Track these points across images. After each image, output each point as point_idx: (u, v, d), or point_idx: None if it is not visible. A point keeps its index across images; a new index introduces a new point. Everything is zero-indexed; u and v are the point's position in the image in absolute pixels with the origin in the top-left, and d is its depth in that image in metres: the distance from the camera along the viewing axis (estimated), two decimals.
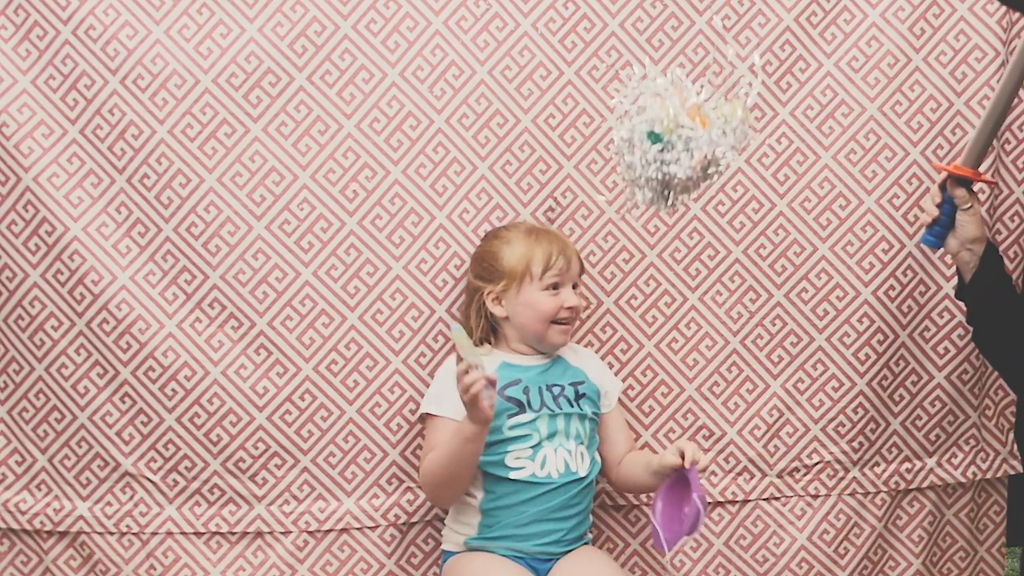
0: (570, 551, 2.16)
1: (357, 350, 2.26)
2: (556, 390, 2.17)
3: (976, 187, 2.10)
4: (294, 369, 2.24)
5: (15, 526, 2.26)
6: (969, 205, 2.05)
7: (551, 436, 2.14)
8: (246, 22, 2.21)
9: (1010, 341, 2.03)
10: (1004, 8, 2.33)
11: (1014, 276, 2.42)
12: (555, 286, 2.16)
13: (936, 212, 2.09)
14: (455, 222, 2.28)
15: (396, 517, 2.28)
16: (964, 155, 2.08)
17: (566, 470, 2.15)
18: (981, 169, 2.10)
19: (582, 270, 2.25)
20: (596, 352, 2.33)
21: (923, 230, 2.12)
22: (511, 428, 2.13)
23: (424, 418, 2.21)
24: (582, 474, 2.17)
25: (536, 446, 2.14)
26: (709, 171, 1.80)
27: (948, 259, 2.39)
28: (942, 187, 2.09)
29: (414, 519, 2.29)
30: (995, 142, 2.36)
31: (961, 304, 2.33)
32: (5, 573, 2.29)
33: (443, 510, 2.28)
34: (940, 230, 2.10)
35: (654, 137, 1.77)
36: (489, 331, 2.21)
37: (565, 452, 2.15)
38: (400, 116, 2.25)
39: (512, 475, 2.13)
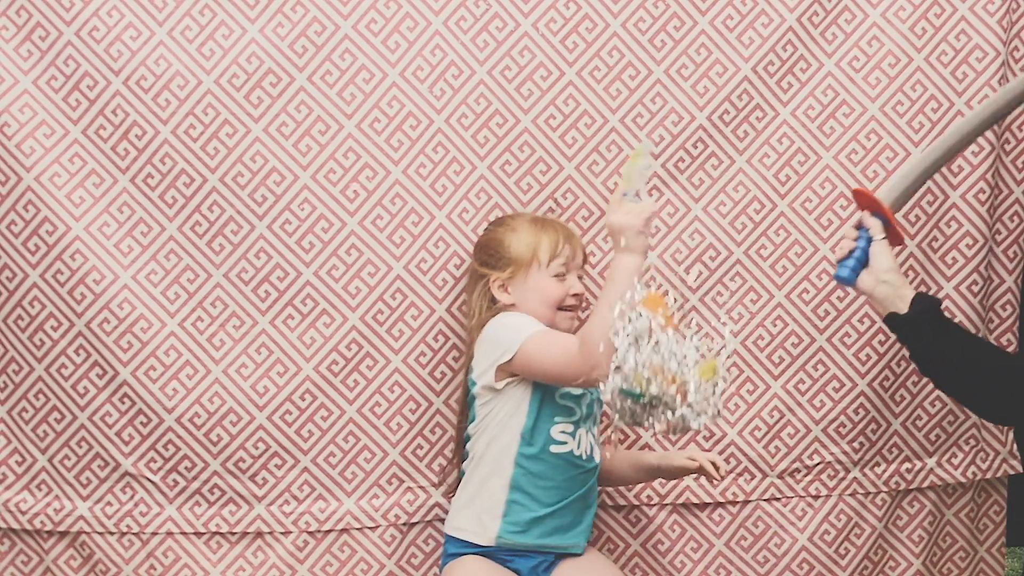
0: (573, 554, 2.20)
1: (358, 350, 2.29)
2: None
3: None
4: (295, 368, 2.28)
5: (15, 526, 2.29)
6: (883, 236, 1.97)
7: (586, 417, 2.18)
8: (247, 23, 2.24)
9: (963, 378, 1.93)
10: (1004, 8, 2.36)
11: (1013, 276, 2.46)
12: (561, 274, 2.20)
13: (852, 244, 1.98)
14: (455, 222, 2.32)
15: (396, 517, 2.32)
16: (889, 190, 2.03)
17: (591, 454, 2.19)
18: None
19: (585, 260, 2.29)
20: None
21: (837, 265, 2.01)
22: (561, 396, 2.15)
23: (521, 350, 2.09)
24: (597, 461, 2.21)
25: (576, 423, 2.17)
26: (680, 431, 1.85)
27: (948, 259, 2.42)
28: (860, 227, 2.00)
29: (414, 519, 2.32)
30: (995, 142, 2.40)
31: (966, 309, 2.37)
32: (6, 573, 2.31)
33: (444, 509, 2.32)
34: (855, 264, 1.98)
35: (630, 393, 1.81)
36: (492, 315, 2.22)
37: (591, 437, 2.19)
38: (400, 116, 2.29)
39: (554, 448, 2.14)
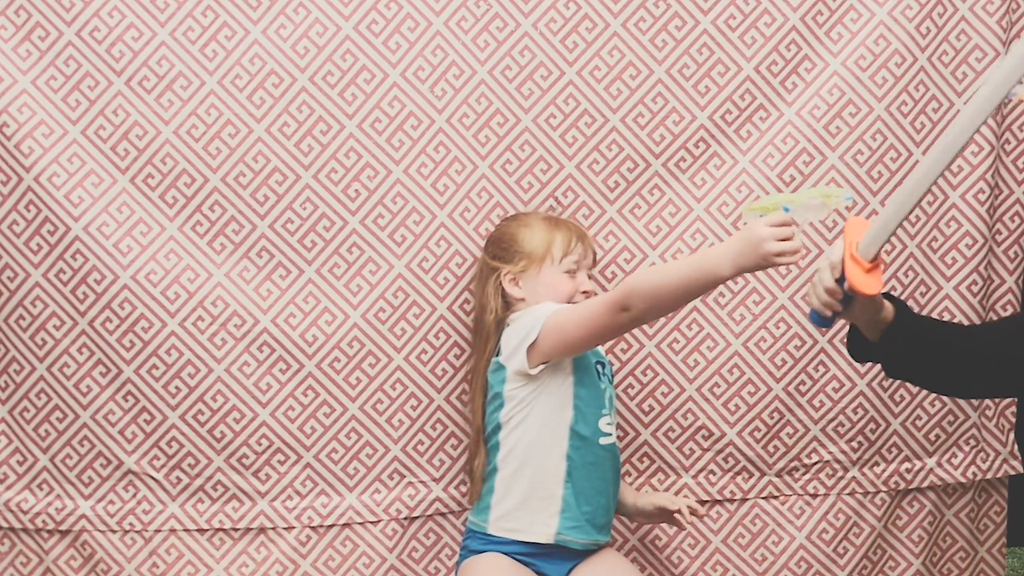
0: (592, 552, 2.26)
1: (359, 348, 2.37)
2: (599, 367, 2.29)
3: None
4: (297, 366, 2.35)
5: (16, 525, 2.36)
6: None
7: (610, 411, 2.27)
8: (249, 24, 2.31)
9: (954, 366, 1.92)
10: (1004, 8, 2.40)
11: (1014, 276, 2.51)
12: (572, 270, 2.28)
13: (837, 306, 1.86)
14: (456, 221, 2.39)
15: (398, 512, 2.39)
16: (865, 245, 1.82)
17: (617, 444, 2.28)
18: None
19: (595, 261, 2.36)
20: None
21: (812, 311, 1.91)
22: (597, 388, 2.25)
23: (546, 325, 2.14)
24: (618, 453, 2.30)
25: (609, 415, 2.26)
26: None
27: (948, 259, 2.48)
28: (840, 280, 1.85)
29: (415, 513, 2.40)
30: (995, 142, 2.45)
31: (965, 309, 2.40)
32: (6, 574, 2.37)
33: (449, 508, 2.39)
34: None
35: None
36: (505, 309, 2.30)
37: (614, 430, 2.28)
38: (401, 116, 2.35)
39: (603, 441, 2.23)
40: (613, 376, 2.37)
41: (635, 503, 2.34)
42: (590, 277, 2.33)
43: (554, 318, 2.16)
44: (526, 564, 2.21)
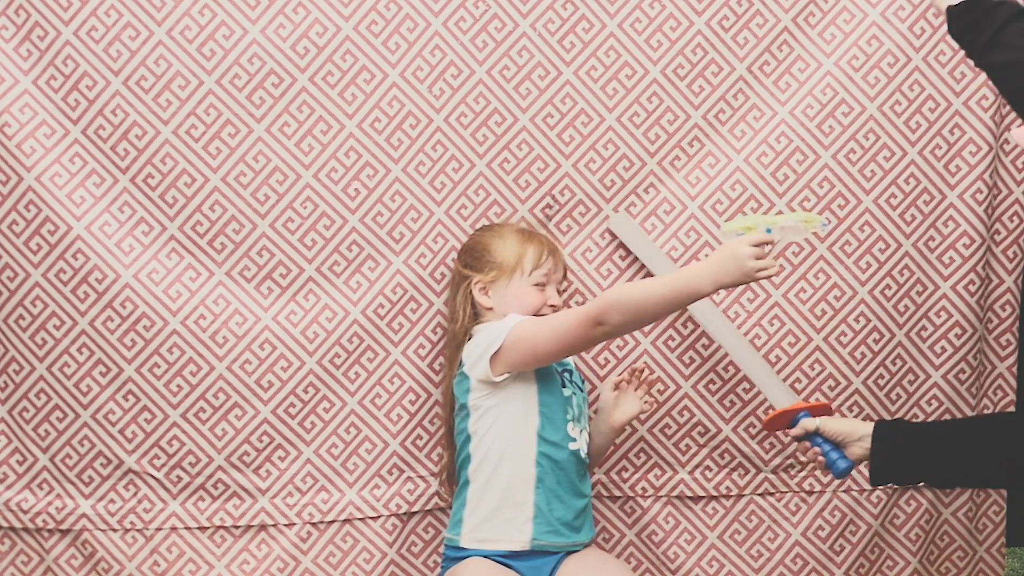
0: (575, 551, 2.29)
1: (359, 343, 2.41)
2: (566, 375, 2.34)
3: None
4: (298, 363, 2.39)
5: (17, 524, 2.39)
6: (817, 425, 2.23)
7: (578, 417, 2.31)
8: (248, 24, 2.34)
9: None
10: None
11: (1013, 276, 2.53)
12: (541, 284, 2.32)
13: (816, 452, 2.23)
14: (453, 218, 2.43)
15: (397, 507, 2.43)
16: (774, 400, 2.33)
17: (585, 450, 2.32)
18: None
19: (565, 276, 2.40)
20: (591, 351, 2.46)
21: (831, 471, 2.22)
22: (562, 396, 2.29)
23: (511, 334, 2.19)
24: (585, 458, 2.34)
25: (576, 420, 2.30)
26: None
27: (946, 259, 2.50)
28: (803, 437, 2.24)
29: (415, 509, 2.44)
30: (994, 142, 2.47)
31: (963, 309, 2.50)
32: (6, 573, 2.40)
33: (448, 504, 2.42)
34: (836, 455, 2.21)
35: None
36: (473, 319, 2.35)
37: (585, 434, 2.32)
38: (400, 115, 2.39)
39: (572, 446, 2.27)
40: (584, 383, 2.40)
41: (607, 420, 2.39)
42: (560, 293, 2.36)
43: (522, 328, 2.20)
44: (507, 567, 2.23)
